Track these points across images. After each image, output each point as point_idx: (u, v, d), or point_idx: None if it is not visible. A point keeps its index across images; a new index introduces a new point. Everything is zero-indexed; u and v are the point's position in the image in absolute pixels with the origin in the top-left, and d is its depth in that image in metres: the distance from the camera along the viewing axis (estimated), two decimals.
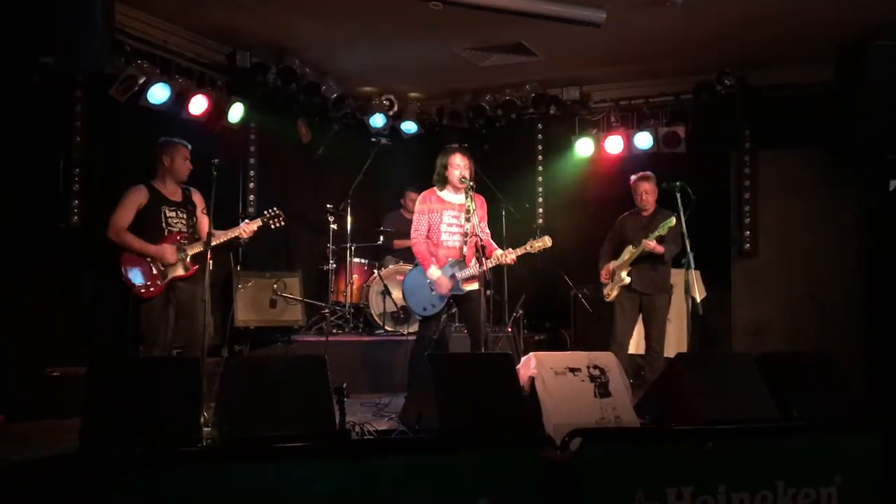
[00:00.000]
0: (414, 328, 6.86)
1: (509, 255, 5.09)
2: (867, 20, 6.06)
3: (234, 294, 6.72)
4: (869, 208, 7.13)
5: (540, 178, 8.67)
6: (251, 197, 7.59)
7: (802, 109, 7.10)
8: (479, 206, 5.26)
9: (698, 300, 5.58)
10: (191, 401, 3.51)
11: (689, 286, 5.56)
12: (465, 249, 5.19)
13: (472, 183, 5.16)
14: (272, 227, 5.38)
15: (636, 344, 6.39)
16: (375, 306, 7.27)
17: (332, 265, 7.54)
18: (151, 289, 5.05)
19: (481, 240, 5.11)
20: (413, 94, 8.53)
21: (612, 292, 6.07)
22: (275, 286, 6.89)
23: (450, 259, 5.19)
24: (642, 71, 7.67)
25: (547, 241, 5.15)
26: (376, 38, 6.79)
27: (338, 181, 8.26)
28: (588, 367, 4.43)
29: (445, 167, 5.22)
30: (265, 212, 5.42)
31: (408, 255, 6.94)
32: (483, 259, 5.00)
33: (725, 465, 3.50)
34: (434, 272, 5.15)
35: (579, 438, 3.39)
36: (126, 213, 5.09)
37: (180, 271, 5.15)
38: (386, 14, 6.20)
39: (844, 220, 7.26)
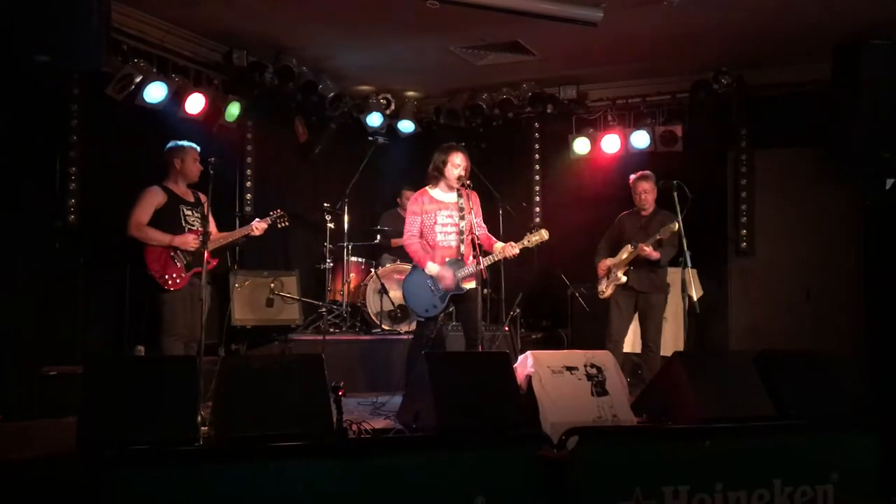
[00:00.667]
0: (411, 327, 6.87)
1: (511, 249, 5.07)
2: (862, 19, 6.08)
3: (231, 293, 6.71)
4: (866, 206, 7.15)
5: (537, 177, 8.67)
6: (248, 196, 7.58)
7: (799, 108, 7.12)
8: (473, 202, 5.25)
9: (695, 299, 5.58)
10: (188, 400, 3.51)
11: (685, 285, 5.57)
12: (462, 248, 5.18)
13: (468, 182, 5.15)
14: (278, 226, 5.57)
15: (632, 343, 6.40)
16: (373, 305, 7.27)
17: (330, 264, 7.54)
18: (178, 280, 5.14)
19: (478, 237, 5.10)
20: (410, 93, 8.53)
21: (607, 290, 6.07)
22: (272, 285, 6.89)
23: (447, 259, 5.17)
24: (639, 70, 7.67)
25: (544, 235, 5.14)
26: (373, 37, 6.79)
27: (335, 180, 8.26)
28: (585, 366, 4.42)
29: (444, 164, 5.18)
30: (271, 212, 5.56)
31: (405, 254, 6.93)
32: (480, 257, 4.99)
33: (722, 464, 3.51)
34: (432, 267, 5.13)
35: (576, 437, 3.40)
36: (145, 212, 5.18)
37: (201, 266, 5.20)
38: (383, 13, 6.19)
39: (841, 219, 7.27)
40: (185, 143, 5.41)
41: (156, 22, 6.35)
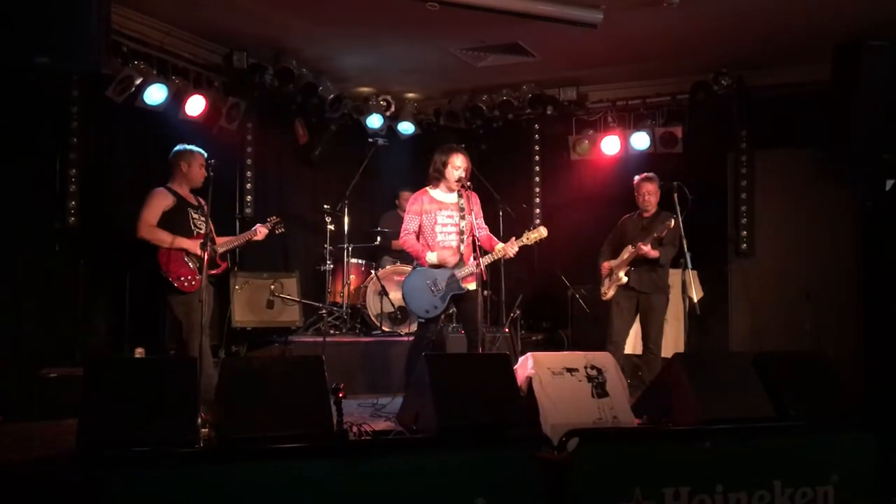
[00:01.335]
0: (411, 328, 6.87)
1: (511, 248, 5.08)
2: (862, 20, 6.08)
3: (231, 295, 6.71)
4: (865, 208, 7.15)
5: (537, 179, 8.67)
6: (248, 198, 7.59)
7: (799, 109, 7.11)
8: (473, 202, 5.25)
9: (695, 300, 5.59)
10: (188, 401, 3.51)
11: (686, 286, 5.58)
12: (462, 248, 5.18)
13: (468, 183, 5.16)
14: (275, 232, 5.63)
15: (633, 344, 6.40)
16: (373, 307, 7.27)
17: (330, 266, 7.54)
18: (193, 282, 5.13)
19: (479, 238, 5.10)
20: (410, 95, 8.53)
21: (608, 291, 6.07)
22: (272, 287, 6.88)
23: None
24: (639, 71, 7.68)
25: (542, 232, 5.15)
26: (373, 39, 6.79)
27: (335, 182, 8.26)
28: (585, 368, 4.43)
29: (445, 164, 5.18)
30: (268, 219, 5.62)
31: (405, 256, 6.94)
32: (479, 258, 5.00)
33: (723, 465, 3.51)
34: (432, 256, 5.13)
35: (576, 438, 3.40)
36: (153, 213, 5.17)
37: (213, 268, 5.27)
38: (383, 14, 6.19)
39: (841, 220, 7.27)
40: (193, 147, 5.39)
41: (156, 24, 6.35)
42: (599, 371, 4.43)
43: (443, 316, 5.39)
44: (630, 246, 5.96)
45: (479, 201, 5.36)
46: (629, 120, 7.99)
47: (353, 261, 7.68)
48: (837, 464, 3.67)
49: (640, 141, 7.78)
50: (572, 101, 8.11)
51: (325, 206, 7.57)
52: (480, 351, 5.09)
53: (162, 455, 2.99)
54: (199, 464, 2.99)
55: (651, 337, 5.98)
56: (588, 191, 8.26)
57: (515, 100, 8.08)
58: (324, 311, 7.18)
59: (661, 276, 6.03)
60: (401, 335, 7.05)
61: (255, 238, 5.50)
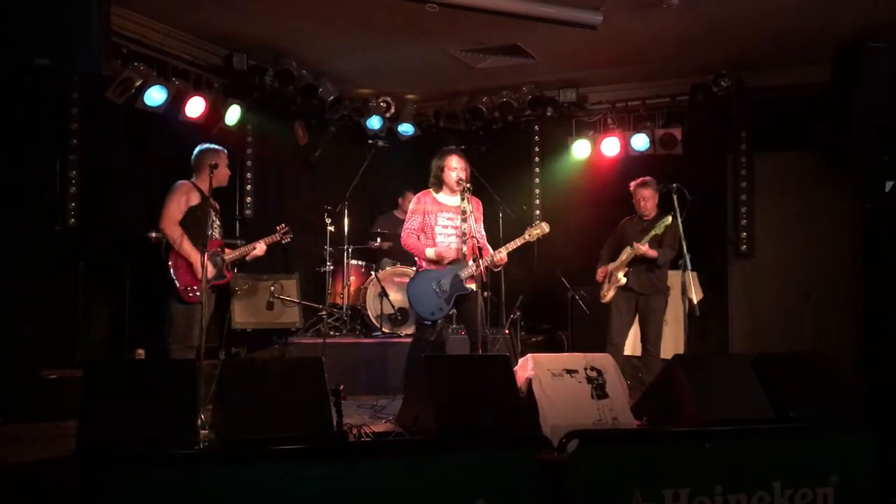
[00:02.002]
0: (411, 330, 6.87)
1: (498, 255, 5.11)
2: (862, 22, 6.08)
3: (230, 296, 6.71)
4: (865, 209, 7.14)
5: (537, 181, 8.67)
6: (248, 199, 7.59)
7: (798, 111, 7.11)
8: (475, 207, 5.26)
9: (695, 302, 5.59)
10: (188, 403, 3.51)
11: (685, 288, 5.58)
12: (464, 249, 5.18)
13: (468, 185, 5.16)
14: (283, 243, 5.67)
15: (633, 346, 6.40)
16: (373, 308, 7.27)
17: (330, 267, 7.54)
18: (196, 293, 5.08)
19: (478, 242, 5.11)
20: (410, 96, 8.53)
21: (608, 293, 6.08)
22: (272, 288, 6.88)
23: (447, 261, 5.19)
24: (639, 73, 7.68)
25: (545, 228, 5.16)
26: (373, 41, 6.79)
27: (335, 183, 8.26)
28: (585, 369, 4.43)
29: (441, 169, 5.21)
30: (277, 227, 5.67)
31: (405, 257, 6.94)
32: (479, 260, 5.00)
33: (722, 466, 3.51)
34: (430, 251, 5.15)
35: (576, 440, 3.40)
36: (178, 207, 5.17)
37: (219, 278, 5.31)
38: (382, 16, 6.19)
39: (841, 221, 7.26)
40: (218, 146, 5.41)
41: (155, 25, 6.35)
42: (599, 372, 4.43)
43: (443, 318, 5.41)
44: (628, 248, 5.97)
45: (480, 206, 5.37)
46: (629, 121, 7.99)
47: (353, 262, 7.68)
48: (837, 465, 3.66)
49: (640, 142, 7.77)
50: (572, 102, 8.10)
51: (326, 208, 7.56)
52: (481, 351, 5.09)
53: (162, 456, 2.98)
54: (198, 465, 2.99)
55: (650, 338, 5.99)
56: (588, 192, 8.26)
57: (515, 101, 8.08)
58: (324, 313, 7.18)
59: (660, 278, 6.04)
60: (401, 337, 7.04)
61: (255, 254, 5.45)
